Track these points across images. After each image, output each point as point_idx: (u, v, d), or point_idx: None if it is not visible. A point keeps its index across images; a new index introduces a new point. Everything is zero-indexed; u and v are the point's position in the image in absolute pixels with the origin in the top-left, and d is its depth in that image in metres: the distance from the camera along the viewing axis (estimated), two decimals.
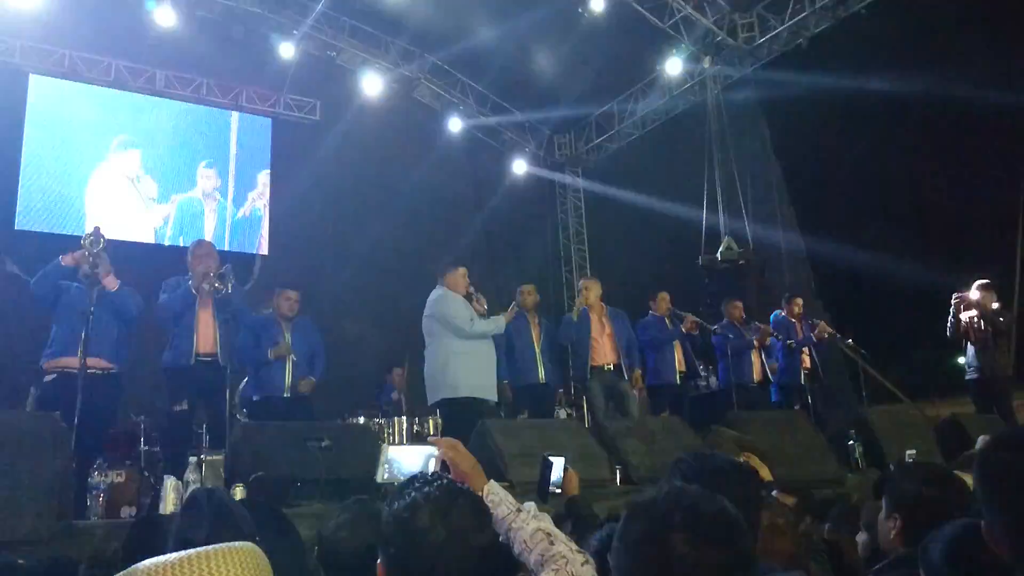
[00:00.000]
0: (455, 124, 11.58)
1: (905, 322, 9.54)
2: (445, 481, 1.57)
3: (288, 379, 5.52)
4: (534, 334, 6.37)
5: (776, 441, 5.20)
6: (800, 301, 7.73)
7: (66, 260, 4.72)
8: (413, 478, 1.59)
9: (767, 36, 9.55)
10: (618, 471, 4.60)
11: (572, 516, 2.84)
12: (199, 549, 0.99)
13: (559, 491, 2.90)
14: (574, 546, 1.73)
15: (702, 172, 10.00)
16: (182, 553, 0.99)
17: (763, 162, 9.96)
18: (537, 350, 6.30)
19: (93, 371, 4.61)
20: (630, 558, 1.27)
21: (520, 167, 12.25)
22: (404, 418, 7.02)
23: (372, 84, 10.69)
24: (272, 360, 5.52)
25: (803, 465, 5.17)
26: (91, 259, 4.62)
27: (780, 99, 9.39)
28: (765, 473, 3.13)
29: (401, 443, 6.47)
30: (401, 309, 7.06)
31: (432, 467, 1.98)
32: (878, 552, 2.30)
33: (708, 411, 7.33)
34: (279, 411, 5.38)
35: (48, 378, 4.79)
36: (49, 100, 9.35)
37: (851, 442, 5.75)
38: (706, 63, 10.08)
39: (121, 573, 1.00)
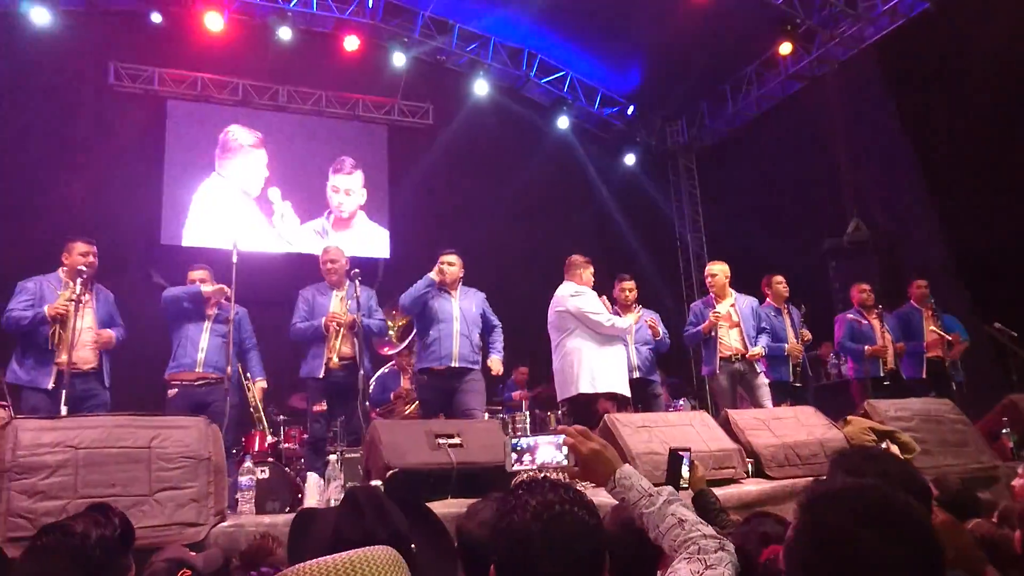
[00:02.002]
0: (564, 120, 11.58)
1: None
2: (548, 486, 1.52)
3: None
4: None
5: (920, 430, 4.94)
6: (923, 283, 7.26)
7: (207, 294, 5.44)
8: (518, 486, 1.56)
9: (890, 4, 9.03)
10: (750, 464, 4.48)
11: (700, 509, 2.80)
12: (348, 553, 1.03)
13: (687, 487, 2.87)
14: (709, 530, 1.68)
15: (824, 151, 9.58)
16: (337, 556, 1.04)
17: (890, 137, 9.42)
18: (631, 344, 6.24)
19: (207, 381, 5.37)
20: (815, 554, 1.22)
21: (631, 158, 12.11)
22: (527, 414, 7.09)
23: (481, 85, 10.85)
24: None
25: (953, 455, 4.88)
26: (222, 299, 5.42)
27: (908, 70, 8.85)
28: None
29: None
30: (520, 307, 7.13)
31: (560, 456, 1.97)
32: None
33: (836, 400, 7.05)
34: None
35: (172, 391, 5.39)
36: (184, 121, 10.00)
37: (1005, 431, 5.37)
38: (824, 37, 9.65)
39: (283, 571, 1.06)
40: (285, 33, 9.68)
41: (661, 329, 6.35)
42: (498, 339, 5.80)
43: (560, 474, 3.97)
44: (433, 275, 5.45)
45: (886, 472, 1.66)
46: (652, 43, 10.26)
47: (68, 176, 8.67)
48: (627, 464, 1.88)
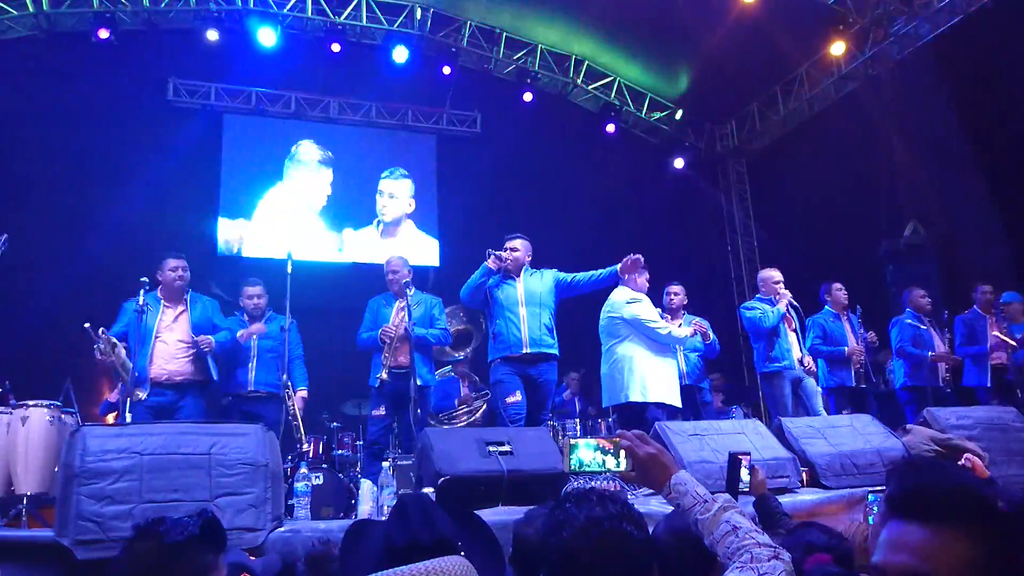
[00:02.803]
0: (611, 125, 11.55)
1: None
2: (596, 500, 1.54)
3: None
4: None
5: (983, 439, 4.79)
6: (988, 289, 7.04)
7: (242, 335, 5.81)
8: (566, 497, 1.58)
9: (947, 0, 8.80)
10: (804, 473, 4.41)
11: (762, 514, 2.77)
12: (422, 563, 1.05)
13: (747, 490, 2.84)
14: (764, 539, 1.67)
15: (879, 153, 9.38)
16: (412, 567, 1.06)
17: (948, 137, 9.17)
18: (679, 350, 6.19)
19: (258, 394, 5.75)
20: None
21: (680, 162, 12.02)
22: (577, 420, 7.08)
23: (528, 93, 10.89)
24: None
25: (1018, 465, 4.73)
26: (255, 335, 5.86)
27: (965, 68, 8.61)
28: (981, 473, 2.90)
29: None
30: (571, 312, 7.10)
31: (615, 461, 1.98)
32: None
33: (895, 408, 6.89)
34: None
35: (225, 400, 5.69)
36: (240, 135, 10.27)
37: None
38: (878, 35, 9.45)
39: None
40: (336, 49, 9.87)
41: (711, 333, 6.28)
42: (589, 274, 5.72)
43: (615, 480, 3.99)
44: (489, 263, 5.43)
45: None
46: (700, 46, 10.17)
47: (129, 190, 8.96)
48: (682, 470, 1.88)
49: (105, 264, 7.96)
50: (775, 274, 6.44)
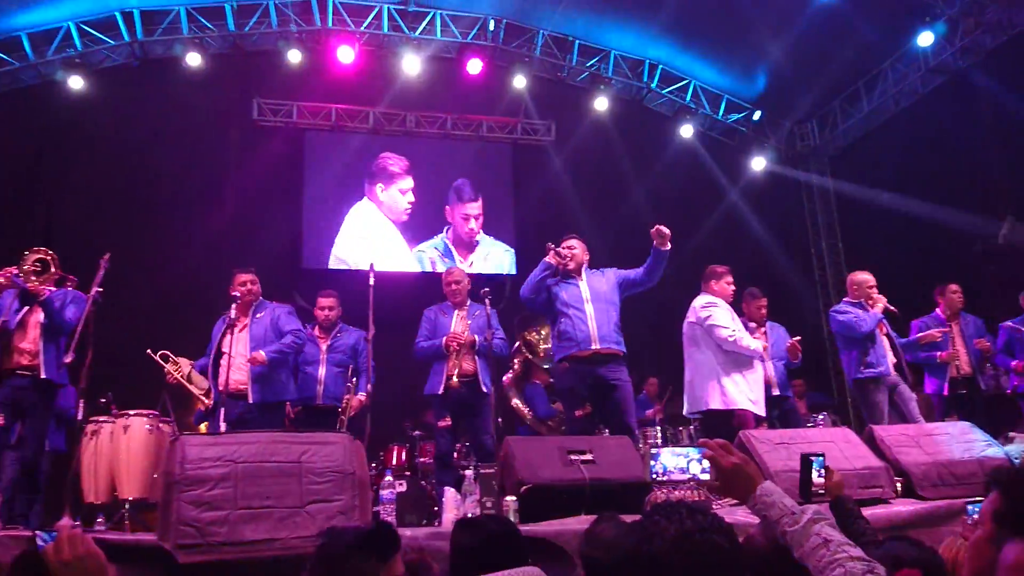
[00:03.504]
0: (687, 129, 11.40)
1: None
2: (685, 512, 1.52)
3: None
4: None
5: None
6: None
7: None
8: (654, 509, 1.56)
9: None
10: (898, 483, 4.23)
11: (838, 517, 2.68)
12: (500, 574, 1.07)
13: (823, 492, 2.75)
14: (857, 552, 1.62)
15: (971, 148, 8.97)
16: None
17: None
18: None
19: (326, 406, 5.86)
20: None
21: (759, 164, 11.77)
22: (658, 428, 7.00)
23: (602, 99, 10.86)
24: None
25: None
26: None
27: None
28: None
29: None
30: (650, 318, 7.07)
31: (697, 470, 1.96)
32: None
33: (1003, 415, 6.54)
34: None
35: (296, 411, 5.82)
36: (321, 151, 10.57)
37: None
38: (968, 25, 9.04)
39: None
40: (411, 62, 10.07)
41: (799, 352, 6.16)
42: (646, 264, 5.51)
43: (699, 490, 3.92)
44: (548, 258, 5.32)
45: None
46: (778, 44, 9.94)
47: (218, 207, 9.35)
48: (768, 481, 1.84)
49: (196, 279, 8.31)
50: (868, 277, 6.21)
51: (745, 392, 5.28)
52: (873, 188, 10.44)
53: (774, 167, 11.86)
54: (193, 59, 9.47)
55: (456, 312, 5.96)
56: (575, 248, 5.47)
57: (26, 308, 5.15)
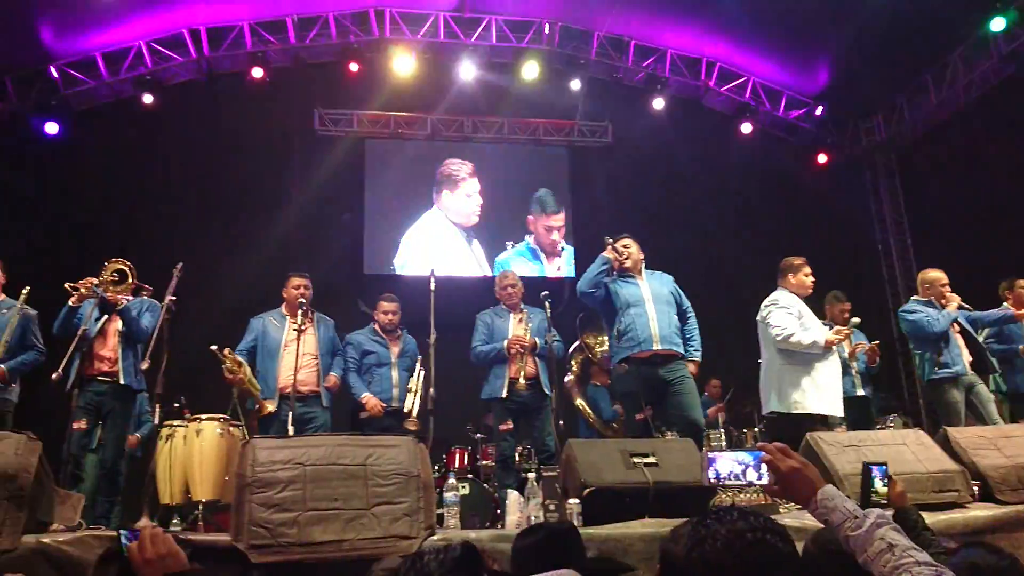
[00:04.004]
0: (747, 126, 11.22)
1: None
2: (738, 514, 1.51)
3: None
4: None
5: None
6: None
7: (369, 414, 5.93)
8: (708, 514, 1.56)
9: None
10: (975, 488, 4.09)
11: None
12: None
13: (885, 503, 2.67)
14: (923, 556, 1.57)
15: None
16: None
17: None
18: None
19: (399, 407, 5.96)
20: None
21: (823, 158, 11.49)
22: (721, 431, 6.90)
23: (659, 99, 10.77)
24: None
25: None
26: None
27: None
28: None
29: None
30: (711, 318, 6.94)
31: (758, 473, 1.94)
32: None
33: None
34: None
35: (364, 414, 5.92)
36: (380, 158, 10.75)
37: None
38: None
39: None
40: (468, 67, 10.16)
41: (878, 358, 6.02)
42: (693, 331, 5.36)
43: (760, 494, 3.86)
44: (606, 252, 5.22)
45: None
46: (840, 38, 9.70)
47: (281, 216, 9.59)
48: (829, 484, 1.81)
49: (263, 286, 8.52)
50: (940, 275, 6.01)
51: (808, 393, 5.07)
52: (943, 183, 10.10)
53: (838, 163, 11.57)
54: (256, 72, 9.73)
55: (512, 315, 5.99)
56: (630, 247, 5.40)
57: (105, 317, 5.38)
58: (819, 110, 11.35)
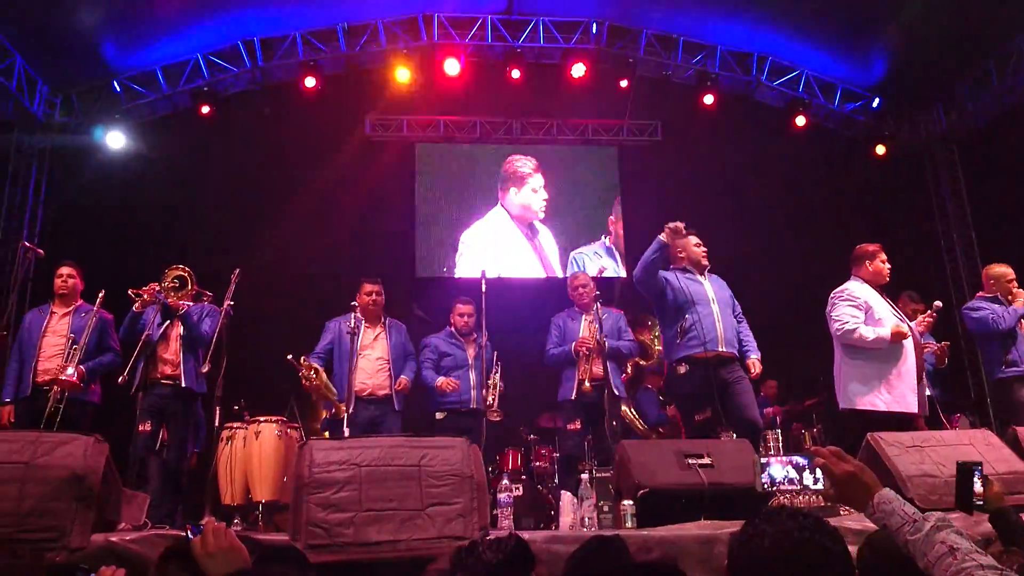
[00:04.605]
0: (801, 119, 10.98)
1: None
2: (786, 514, 1.50)
3: None
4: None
5: None
6: None
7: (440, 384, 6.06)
8: (757, 515, 1.55)
9: None
10: None
11: (1002, 530, 2.52)
12: None
13: (982, 503, 2.59)
14: (987, 560, 1.52)
15: None
16: None
17: None
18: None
19: (473, 411, 6.03)
20: None
21: (881, 149, 11.19)
22: (779, 432, 6.78)
23: (709, 95, 10.64)
24: None
25: None
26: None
27: None
28: None
29: (777, 455, 6.28)
30: (766, 316, 6.83)
31: (813, 477, 1.91)
32: None
33: None
34: None
35: (440, 415, 6.08)
36: (431, 162, 10.86)
37: None
38: None
39: None
40: (516, 72, 10.19)
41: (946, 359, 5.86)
42: (749, 333, 5.30)
43: (815, 497, 3.78)
44: (663, 236, 5.08)
45: None
46: (897, 27, 9.43)
47: (334, 221, 9.74)
48: (886, 488, 1.77)
49: (318, 290, 8.69)
50: (1006, 271, 5.80)
51: (878, 389, 4.79)
52: (1008, 174, 9.74)
53: (897, 157, 11.25)
54: (309, 82, 9.91)
55: (584, 316, 6.01)
56: (699, 246, 5.36)
57: (167, 322, 5.55)
58: (876, 102, 11.06)
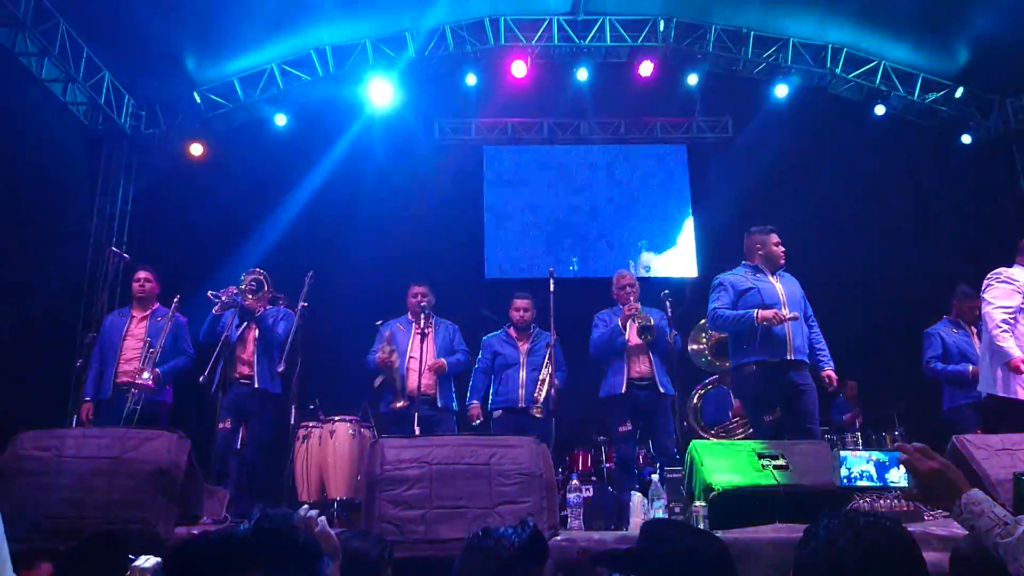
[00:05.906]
0: (880, 108, 10.61)
1: None
2: (854, 514, 1.47)
3: None
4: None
5: None
6: None
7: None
8: (823, 517, 1.52)
9: None
10: None
11: None
12: None
13: None
14: None
15: None
16: None
17: None
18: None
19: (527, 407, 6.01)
20: None
21: (967, 139, 10.72)
22: (859, 434, 6.56)
23: (782, 89, 10.39)
24: None
25: None
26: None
27: None
28: None
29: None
30: (844, 316, 6.64)
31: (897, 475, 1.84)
32: None
33: None
34: None
35: (498, 412, 6.11)
36: (498, 164, 10.92)
37: None
38: None
39: None
40: (583, 69, 10.16)
41: None
42: (821, 338, 5.10)
43: (901, 500, 3.64)
44: (757, 320, 4.78)
45: None
46: (982, 11, 9.01)
47: (405, 224, 9.88)
48: (976, 488, 1.69)
49: (388, 292, 8.82)
50: None
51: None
52: None
53: (982, 148, 10.76)
54: (379, 86, 10.09)
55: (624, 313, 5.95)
56: (779, 245, 5.20)
57: (245, 324, 5.73)
58: (959, 92, 10.60)
